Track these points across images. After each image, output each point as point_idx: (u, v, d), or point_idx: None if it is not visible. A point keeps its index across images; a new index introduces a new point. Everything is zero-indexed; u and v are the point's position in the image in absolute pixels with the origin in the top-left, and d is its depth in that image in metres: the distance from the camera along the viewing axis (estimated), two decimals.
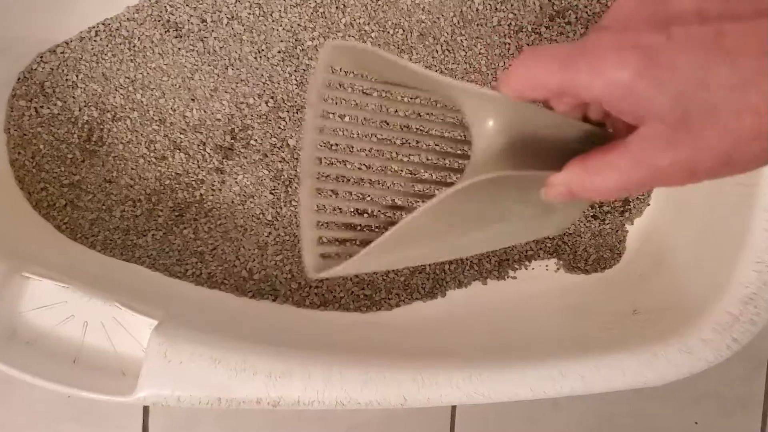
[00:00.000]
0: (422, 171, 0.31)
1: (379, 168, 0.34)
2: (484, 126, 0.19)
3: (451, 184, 0.18)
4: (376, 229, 0.20)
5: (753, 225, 0.30)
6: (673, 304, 0.34)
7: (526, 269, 0.43)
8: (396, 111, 0.37)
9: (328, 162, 0.38)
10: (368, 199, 0.34)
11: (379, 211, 0.25)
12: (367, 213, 0.40)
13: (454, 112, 0.22)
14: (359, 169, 0.23)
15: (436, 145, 0.25)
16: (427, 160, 0.36)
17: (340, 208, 0.40)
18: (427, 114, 0.24)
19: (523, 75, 0.17)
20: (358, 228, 0.24)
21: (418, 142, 0.32)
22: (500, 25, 0.42)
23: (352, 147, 0.39)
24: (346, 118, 0.28)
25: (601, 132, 0.20)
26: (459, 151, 0.23)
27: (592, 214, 0.43)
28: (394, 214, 0.21)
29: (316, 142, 0.19)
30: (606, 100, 0.16)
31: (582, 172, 0.18)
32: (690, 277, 0.35)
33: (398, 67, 0.18)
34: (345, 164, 0.36)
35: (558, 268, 0.43)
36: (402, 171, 0.39)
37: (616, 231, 0.43)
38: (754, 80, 0.14)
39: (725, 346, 0.30)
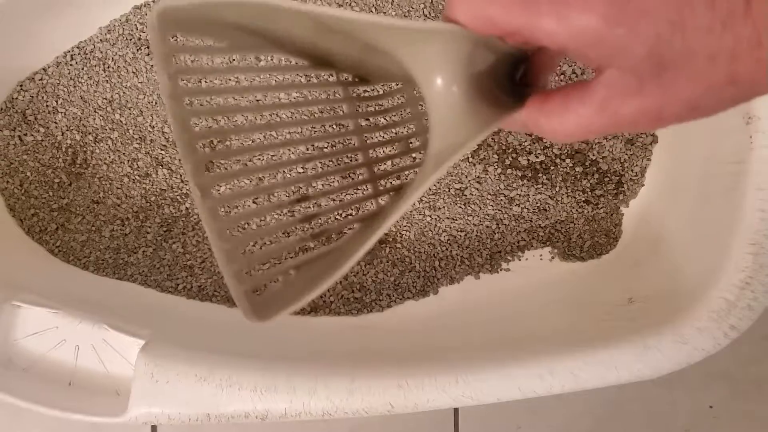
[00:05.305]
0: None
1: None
2: (437, 74, 0.16)
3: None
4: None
5: (745, 205, 0.29)
6: (668, 292, 0.32)
7: (520, 260, 0.42)
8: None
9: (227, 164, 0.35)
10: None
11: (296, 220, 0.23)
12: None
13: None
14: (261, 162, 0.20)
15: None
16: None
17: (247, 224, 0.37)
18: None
19: (474, 10, 0.15)
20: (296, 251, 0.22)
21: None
22: None
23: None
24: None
25: (522, 53, 0.18)
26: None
27: (584, 199, 0.42)
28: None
29: (194, 140, 0.17)
30: (571, 48, 0.15)
31: (539, 114, 0.17)
32: (684, 263, 0.33)
33: (285, 12, 0.15)
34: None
35: (552, 257, 0.42)
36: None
37: (611, 215, 0.42)
38: (730, 22, 0.13)
39: (722, 334, 0.29)
